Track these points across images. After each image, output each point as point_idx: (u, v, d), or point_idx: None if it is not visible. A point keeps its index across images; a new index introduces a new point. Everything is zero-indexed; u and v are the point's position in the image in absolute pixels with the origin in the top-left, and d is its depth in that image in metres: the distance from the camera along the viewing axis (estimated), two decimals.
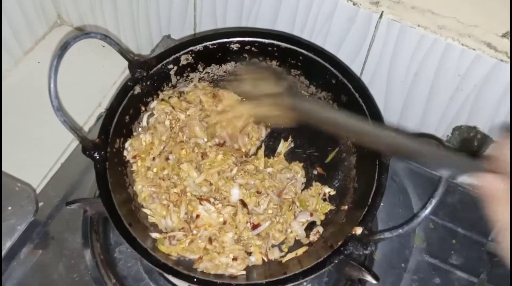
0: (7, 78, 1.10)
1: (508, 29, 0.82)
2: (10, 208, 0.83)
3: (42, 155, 0.99)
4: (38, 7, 1.12)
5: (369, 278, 0.73)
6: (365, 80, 0.95)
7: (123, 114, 0.80)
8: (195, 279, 0.69)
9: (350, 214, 0.78)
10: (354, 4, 0.85)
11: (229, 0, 0.96)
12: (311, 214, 0.82)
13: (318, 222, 0.82)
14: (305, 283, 0.82)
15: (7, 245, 0.81)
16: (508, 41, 0.81)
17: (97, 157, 0.75)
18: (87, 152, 0.75)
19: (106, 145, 0.76)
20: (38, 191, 0.93)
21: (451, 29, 0.83)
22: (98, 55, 1.11)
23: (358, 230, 0.71)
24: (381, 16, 0.85)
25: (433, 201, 0.64)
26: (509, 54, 0.80)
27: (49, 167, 0.98)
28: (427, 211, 0.64)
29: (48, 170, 0.97)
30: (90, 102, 1.07)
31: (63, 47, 0.71)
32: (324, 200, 0.85)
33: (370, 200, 0.73)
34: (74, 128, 0.73)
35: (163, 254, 0.74)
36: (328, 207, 0.84)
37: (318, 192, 0.86)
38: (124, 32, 1.15)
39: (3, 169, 0.91)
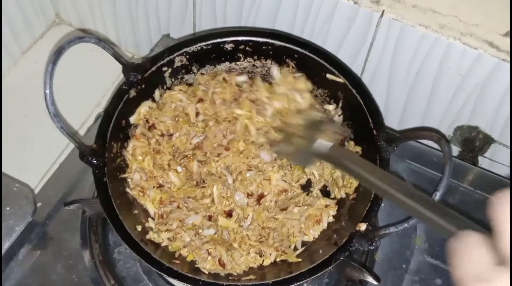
0: (5, 77, 1.09)
1: (510, 28, 0.82)
2: (8, 208, 0.83)
3: (40, 155, 0.98)
4: (37, 6, 1.12)
5: (370, 279, 0.72)
6: (366, 80, 0.95)
7: (119, 119, 0.80)
8: (200, 282, 0.68)
9: (352, 211, 0.78)
10: (354, 3, 0.85)
11: (228, 0, 0.96)
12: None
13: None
14: (305, 284, 0.81)
15: (5, 245, 0.80)
16: (509, 40, 0.81)
17: (95, 163, 0.74)
18: (85, 158, 0.74)
19: (104, 151, 0.76)
20: (36, 191, 0.92)
21: (452, 28, 0.82)
22: (96, 54, 1.09)
23: (362, 226, 0.71)
24: (382, 15, 0.84)
25: (438, 194, 0.64)
26: (510, 53, 0.80)
27: (48, 167, 0.97)
28: None
29: (47, 170, 0.96)
30: (89, 101, 1.07)
31: (57, 53, 0.70)
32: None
33: (372, 195, 0.73)
34: (71, 134, 0.73)
35: (166, 257, 0.73)
36: (356, 183, 0.80)
37: (351, 150, 0.82)
38: (123, 31, 1.14)
39: (1, 169, 0.91)
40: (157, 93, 0.86)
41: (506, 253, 0.34)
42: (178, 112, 0.86)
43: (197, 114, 0.87)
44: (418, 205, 0.51)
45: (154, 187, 0.81)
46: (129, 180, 0.81)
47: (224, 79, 0.88)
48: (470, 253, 0.37)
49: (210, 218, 0.80)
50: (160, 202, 0.80)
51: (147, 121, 0.85)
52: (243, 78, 0.89)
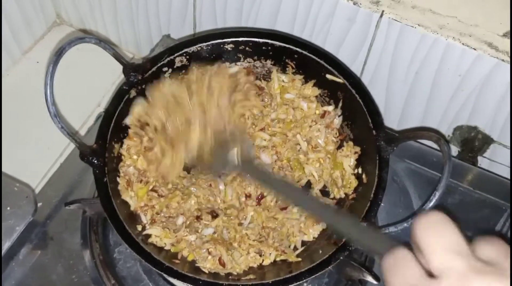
0: (5, 78, 1.09)
1: (509, 28, 0.82)
2: (8, 208, 0.83)
3: (41, 155, 0.99)
4: (37, 7, 1.12)
5: (369, 278, 0.72)
6: (366, 80, 0.95)
7: (119, 119, 0.80)
8: (200, 282, 0.68)
9: (352, 211, 0.78)
10: (354, 3, 0.85)
11: (228, 0, 0.96)
12: None
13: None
14: (305, 284, 0.82)
15: (5, 245, 0.81)
16: (509, 41, 0.81)
17: (96, 163, 0.74)
18: (85, 158, 0.74)
19: (104, 151, 0.76)
20: (37, 191, 0.92)
21: (451, 28, 0.83)
22: (96, 54, 1.10)
23: None
24: (381, 16, 0.84)
25: (437, 194, 0.64)
26: (510, 54, 0.80)
27: (48, 167, 0.97)
28: (431, 203, 0.64)
29: (47, 170, 0.97)
30: (89, 101, 1.07)
31: (58, 53, 0.71)
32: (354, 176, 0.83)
33: (372, 195, 0.73)
34: (72, 134, 0.73)
35: (166, 257, 0.74)
36: (355, 183, 0.81)
37: (350, 150, 0.83)
38: (124, 32, 1.14)
39: (1, 169, 0.91)
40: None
41: (432, 267, 0.38)
42: (169, 97, 0.83)
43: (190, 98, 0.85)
44: (341, 224, 0.56)
45: (141, 182, 0.80)
46: (121, 170, 0.80)
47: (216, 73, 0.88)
48: (403, 267, 0.40)
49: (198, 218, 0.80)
50: (147, 202, 0.79)
51: (139, 121, 0.84)
52: (235, 69, 0.89)
